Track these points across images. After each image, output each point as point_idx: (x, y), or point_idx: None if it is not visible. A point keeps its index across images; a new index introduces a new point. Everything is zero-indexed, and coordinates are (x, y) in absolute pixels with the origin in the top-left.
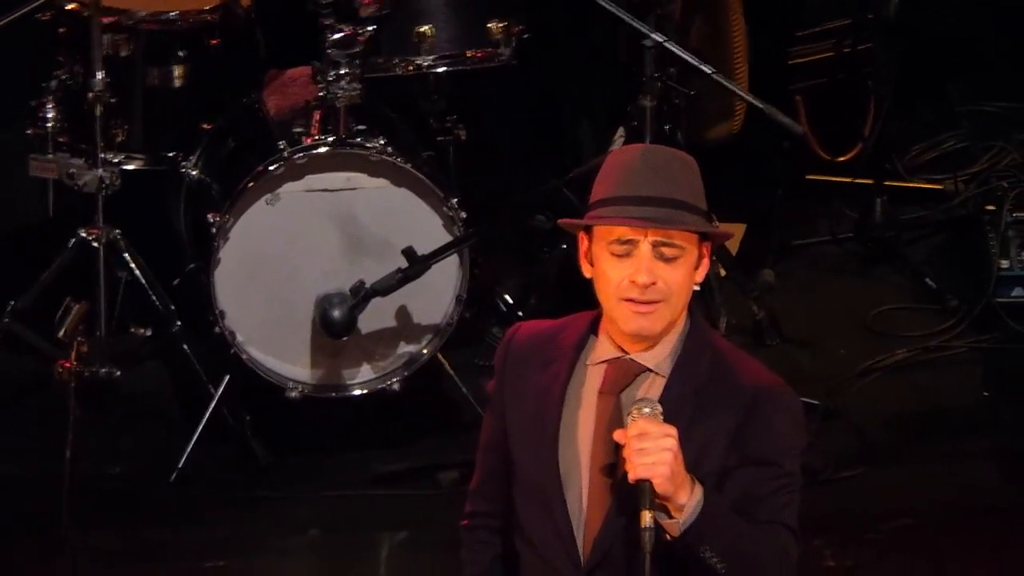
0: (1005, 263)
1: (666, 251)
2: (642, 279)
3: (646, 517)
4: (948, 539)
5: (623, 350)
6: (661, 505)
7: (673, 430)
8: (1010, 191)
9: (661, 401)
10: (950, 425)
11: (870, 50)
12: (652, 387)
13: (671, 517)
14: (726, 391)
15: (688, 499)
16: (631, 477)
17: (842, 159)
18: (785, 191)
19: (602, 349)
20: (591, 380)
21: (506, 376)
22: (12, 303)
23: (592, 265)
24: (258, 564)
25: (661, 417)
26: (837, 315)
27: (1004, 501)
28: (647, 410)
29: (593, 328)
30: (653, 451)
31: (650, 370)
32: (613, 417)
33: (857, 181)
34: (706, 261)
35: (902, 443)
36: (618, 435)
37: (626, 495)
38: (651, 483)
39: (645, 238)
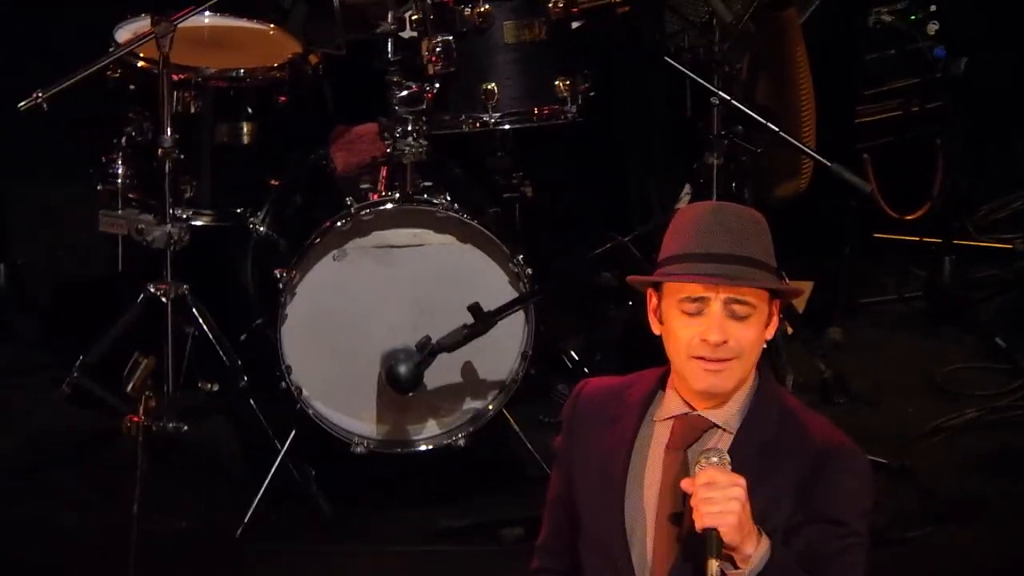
0: None
1: (737, 309)
2: (714, 338)
3: (713, 566)
4: None
5: (691, 406)
6: (727, 555)
7: (741, 480)
8: None
9: (730, 459)
10: (1020, 486)
11: (939, 108)
12: (720, 443)
13: (736, 567)
14: (794, 448)
15: (755, 550)
16: (698, 526)
17: (910, 217)
18: (853, 249)
19: (670, 405)
20: (658, 436)
21: (573, 432)
22: (81, 358)
23: (661, 322)
24: None
25: (729, 467)
26: (905, 374)
27: None
28: (715, 459)
29: (661, 384)
30: (721, 500)
31: (718, 426)
32: (680, 472)
33: (926, 240)
34: (776, 319)
35: (972, 503)
36: (685, 484)
37: (692, 549)
38: (718, 532)
39: (716, 296)
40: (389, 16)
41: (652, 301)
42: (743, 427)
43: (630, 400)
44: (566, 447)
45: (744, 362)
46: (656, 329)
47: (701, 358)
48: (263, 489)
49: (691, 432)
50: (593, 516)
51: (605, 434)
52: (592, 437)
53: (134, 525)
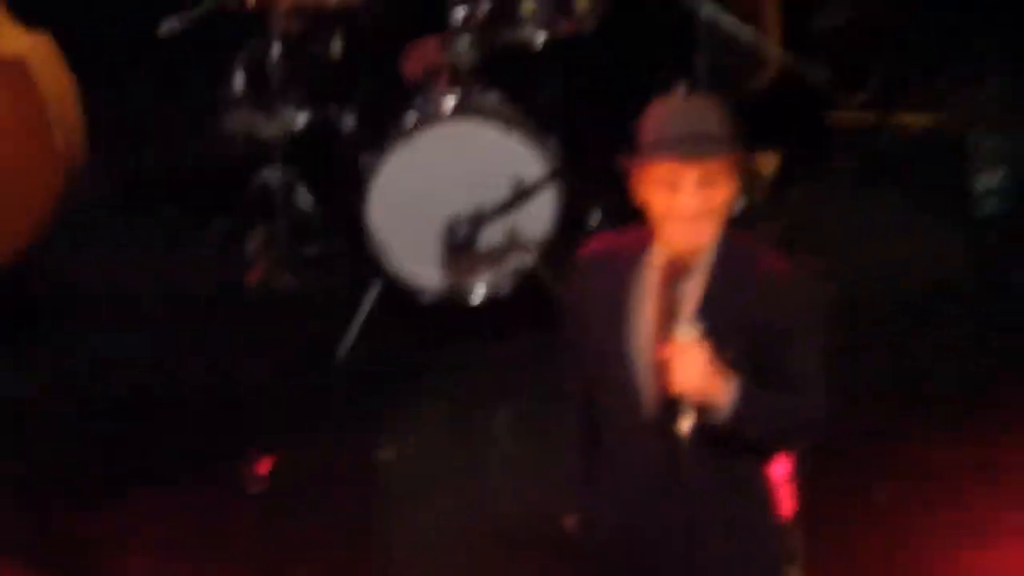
0: None
1: (707, 177)
2: (689, 210)
3: (683, 425)
4: None
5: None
6: (706, 405)
7: (703, 351)
8: None
9: (706, 292)
10: None
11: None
12: (698, 277)
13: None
14: (756, 277)
15: (725, 397)
16: (671, 389)
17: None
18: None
19: (658, 252)
20: (651, 276)
21: (582, 278)
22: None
23: (644, 195)
24: (412, 418)
25: (698, 335)
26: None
27: None
28: (687, 331)
29: (649, 238)
30: (685, 369)
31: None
32: (669, 301)
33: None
34: (735, 175)
35: None
36: (664, 352)
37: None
38: (687, 397)
39: (688, 170)
40: None
41: (636, 177)
42: (715, 266)
43: (627, 250)
44: (576, 290)
45: (716, 217)
46: (641, 198)
47: (679, 222)
48: (359, 323)
49: (675, 272)
50: (607, 336)
51: (609, 277)
52: (599, 280)
53: None
